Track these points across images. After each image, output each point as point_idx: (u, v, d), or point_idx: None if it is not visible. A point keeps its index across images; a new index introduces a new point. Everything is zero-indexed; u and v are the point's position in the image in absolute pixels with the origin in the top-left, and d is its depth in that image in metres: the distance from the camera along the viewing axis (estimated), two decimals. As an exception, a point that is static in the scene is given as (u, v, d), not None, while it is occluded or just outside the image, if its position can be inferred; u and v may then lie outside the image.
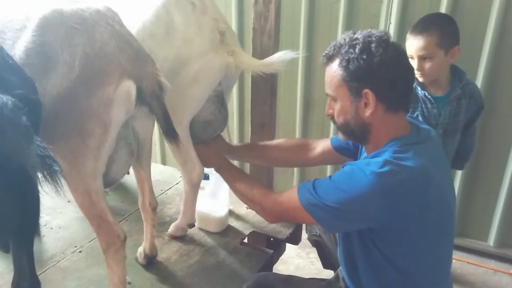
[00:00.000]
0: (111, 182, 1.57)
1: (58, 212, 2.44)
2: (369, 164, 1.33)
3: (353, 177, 1.34)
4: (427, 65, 2.04)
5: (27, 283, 1.37)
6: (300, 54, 1.85)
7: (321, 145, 1.93)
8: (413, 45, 2.05)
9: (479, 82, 2.67)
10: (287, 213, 1.53)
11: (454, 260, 2.78)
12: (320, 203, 1.37)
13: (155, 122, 1.54)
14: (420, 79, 2.11)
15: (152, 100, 1.34)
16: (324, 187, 1.40)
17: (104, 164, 1.42)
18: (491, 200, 2.86)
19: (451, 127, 2.17)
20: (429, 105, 2.14)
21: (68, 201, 2.52)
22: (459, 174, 2.87)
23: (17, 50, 1.28)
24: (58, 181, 1.01)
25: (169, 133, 1.39)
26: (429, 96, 2.12)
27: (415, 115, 2.15)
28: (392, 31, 2.79)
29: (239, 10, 3.24)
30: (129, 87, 1.30)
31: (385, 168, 1.29)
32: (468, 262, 2.86)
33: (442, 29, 2.03)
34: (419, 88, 2.13)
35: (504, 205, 2.80)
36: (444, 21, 2.10)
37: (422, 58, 2.04)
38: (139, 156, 1.66)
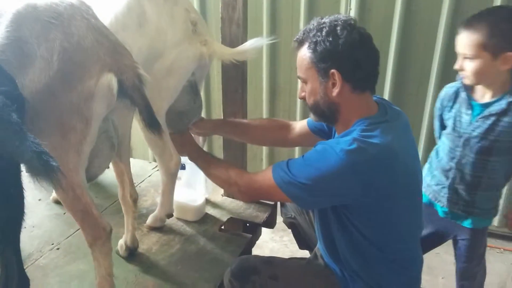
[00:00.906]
0: (93, 176, 1.57)
1: (30, 211, 2.35)
2: (339, 142, 1.41)
3: (324, 155, 1.42)
4: (468, 66, 1.72)
5: (16, 281, 1.36)
6: (272, 40, 1.88)
7: (299, 127, 2.00)
8: (457, 40, 1.76)
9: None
10: (261, 191, 1.59)
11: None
12: (294, 180, 1.44)
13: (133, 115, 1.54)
14: (464, 80, 1.80)
15: (134, 92, 1.35)
16: (297, 165, 1.47)
17: (86, 158, 1.41)
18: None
19: (480, 144, 1.80)
20: (463, 109, 1.84)
21: (39, 200, 2.49)
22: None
23: None
24: (56, 177, 1.01)
25: (152, 124, 1.40)
26: (467, 99, 1.83)
27: (447, 117, 1.92)
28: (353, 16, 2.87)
29: (201, -1, 3.25)
30: (110, 80, 1.31)
31: (353, 146, 1.37)
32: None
33: (494, 28, 1.65)
34: (462, 89, 1.85)
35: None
36: (500, 18, 1.68)
37: (464, 57, 1.73)
38: (119, 149, 1.66)
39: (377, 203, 1.45)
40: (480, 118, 1.79)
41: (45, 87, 1.26)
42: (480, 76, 1.72)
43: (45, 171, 1.00)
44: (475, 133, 1.80)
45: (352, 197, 1.43)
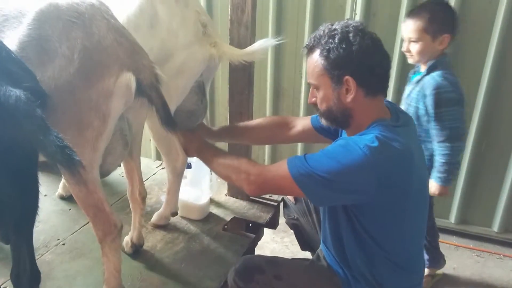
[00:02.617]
0: (106, 173, 1.59)
1: (36, 207, 2.42)
2: (362, 139, 1.42)
3: (347, 149, 1.42)
4: (413, 47, 2.15)
5: (28, 273, 1.38)
6: (280, 41, 1.88)
7: (301, 124, 1.99)
8: (404, 27, 2.19)
9: (487, 69, 2.73)
10: (273, 183, 1.54)
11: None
12: (311, 172, 1.42)
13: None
14: (408, 60, 2.26)
15: (151, 91, 1.38)
16: (316, 158, 1.46)
17: (101, 155, 1.44)
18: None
19: (402, 106, 2.31)
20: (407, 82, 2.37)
21: (45, 195, 2.51)
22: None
23: (12, 45, 1.27)
24: (79, 171, 1.04)
25: (168, 122, 1.43)
26: (408, 74, 2.36)
27: None
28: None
29: (208, 1, 3.28)
30: (129, 79, 1.34)
31: (376, 143, 1.38)
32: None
33: (432, 15, 2.08)
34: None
35: (464, 183, 3.00)
36: (437, 8, 2.13)
37: (410, 41, 2.16)
38: (131, 147, 1.68)
39: (388, 204, 1.47)
40: (407, 87, 2.33)
41: (64, 84, 1.29)
42: (422, 55, 2.16)
43: (67, 165, 1.02)
44: (403, 98, 2.36)
45: (367, 195, 1.44)
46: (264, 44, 1.87)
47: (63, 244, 2.13)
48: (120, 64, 1.34)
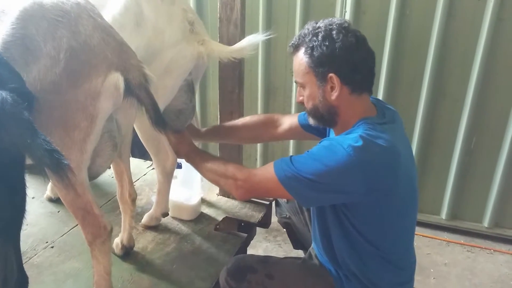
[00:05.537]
0: (95, 175, 1.56)
1: (24, 209, 2.38)
2: (346, 139, 1.42)
3: (331, 150, 1.42)
4: None
5: (15, 278, 1.35)
6: (269, 36, 1.85)
7: (288, 122, 1.98)
8: None
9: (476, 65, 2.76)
10: (260, 186, 1.54)
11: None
12: (297, 174, 1.42)
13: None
14: None
15: (140, 91, 1.35)
16: (301, 160, 1.46)
17: (89, 157, 1.41)
18: (442, 175, 3.07)
19: None
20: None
21: (33, 197, 2.47)
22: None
23: None
24: (67, 175, 1.01)
25: (159, 122, 1.41)
26: None
27: None
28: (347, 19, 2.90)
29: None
30: (117, 79, 1.31)
31: (360, 143, 1.38)
32: (423, 235, 3.06)
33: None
34: None
35: (454, 179, 3.02)
36: None
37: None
38: (120, 149, 1.66)
39: (377, 202, 1.47)
40: None
41: (50, 84, 1.26)
42: None
43: (56, 169, 1.00)
44: None
45: (354, 195, 1.44)
46: (252, 40, 1.85)
47: (52, 247, 2.09)
48: (107, 63, 1.31)
